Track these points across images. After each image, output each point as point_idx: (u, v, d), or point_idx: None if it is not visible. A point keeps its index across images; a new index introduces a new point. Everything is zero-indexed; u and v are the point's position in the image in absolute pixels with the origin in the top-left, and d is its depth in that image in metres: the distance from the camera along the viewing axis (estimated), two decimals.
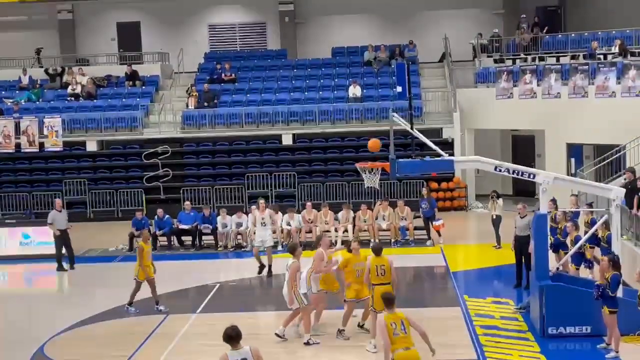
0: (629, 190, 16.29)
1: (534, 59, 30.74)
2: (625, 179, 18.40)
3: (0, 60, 35.56)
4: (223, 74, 33.14)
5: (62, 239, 21.18)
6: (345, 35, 35.78)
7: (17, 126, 29.28)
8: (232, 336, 9.11)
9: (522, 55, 31.34)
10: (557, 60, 29.77)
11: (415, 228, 23.09)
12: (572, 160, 26.23)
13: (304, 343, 13.95)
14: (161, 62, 34.99)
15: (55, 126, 29.03)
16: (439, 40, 33.17)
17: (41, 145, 29.23)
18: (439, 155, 15.71)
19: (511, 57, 31.57)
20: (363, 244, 16.32)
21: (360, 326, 14.60)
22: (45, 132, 29.06)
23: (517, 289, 17.31)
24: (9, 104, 31.58)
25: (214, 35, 37.75)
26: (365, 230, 22.74)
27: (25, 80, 33.67)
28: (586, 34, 30.21)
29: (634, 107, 23.65)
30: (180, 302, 17.37)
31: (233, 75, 33.20)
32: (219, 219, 23.30)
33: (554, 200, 17.41)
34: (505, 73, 28.43)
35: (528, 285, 16.44)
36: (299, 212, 23.92)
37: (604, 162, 22.59)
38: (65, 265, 21.19)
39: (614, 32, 29.10)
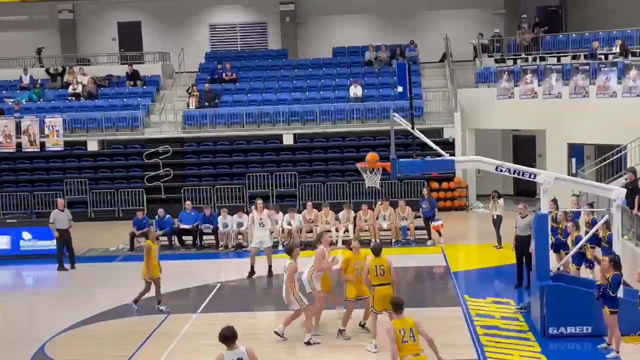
0: (630, 191, 16.28)
1: (534, 59, 30.74)
2: (626, 179, 18.39)
3: (1, 60, 35.59)
4: (224, 74, 33.14)
5: (63, 238, 21.19)
6: (346, 35, 35.78)
7: (18, 126, 29.28)
8: (228, 336, 9.20)
9: (523, 55, 31.34)
10: (558, 60, 29.76)
11: (416, 228, 23.09)
12: (573, 160, 26.21)
13: (305, 343, 13.95)
14: (162, 62, 35.01)
15: (56, 126, 29.02)
16: (439, 40, 33.17)
17: (42, 145, 29.23)
18: (440, 155, 15.69)
19: (512, 57, 31.58)
20: (364, 244, 16.34)
21: (362, 325, 14.60)
22: (46, 131, 29.06)
23: (517, 289, 17.31)
24: (10, 103, 31.59)
25: (215, 35, 37.76)
26: (366, 230, 22.74)
27: (26, 80, 33.68)
28: (587, 34, 30.20)
29: (634, 107, 23.64)
30: (181, 301, 17.37)
31: (234, 75, 33.20)
32: (219, 218, 23.30)
33: (554, 200, 17.41)
34: (506, 73, 28.43)
35: (529, 285, 16.45)
36: (299, 212, 23.93)
37: (605, 162, 22.58)
38: (66, 265, 21.20)
39: (615, 32, 29.09)
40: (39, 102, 32.21)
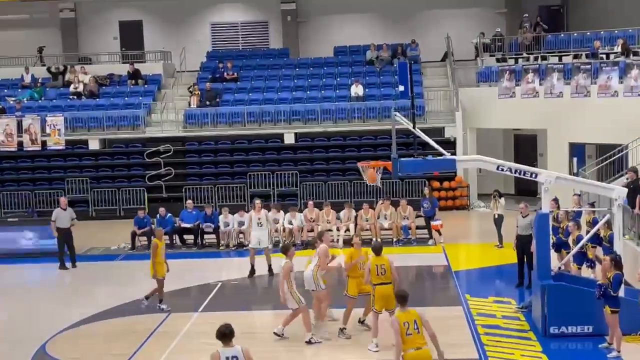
0: (631, 190, 16.28)
1: (536, 58, 30.72)
2: (627, 179, 18.38)
3: (3, 59, 35.59)
4: (225, 73, 33.15)
5: (64, 237, 21.20)
6: (347, 34, 35.76)
7: (19, 125, 29.28)
8: (226, 334, 9.32)
9: (525, 55, 31.31)
10: (560, 59, 29.75)
11: (417, 227, 23.10)
12: (575, 159, 26.22)
13: (306, 342, 13.95)
14: (163, 61, 35.00)
15: (58, 125, 29.02)
16: (441, 39, 33.16)
17: (43, 143, 29.23)
18: (441, 154, 15.71)
19: (513, 56, 31.56)
20: (365, 243, 16.36)
21: (361, 322, 14.60)
22: (48, 130, 29.05)
23: (519, 288, 17.31)
24: (11, 102, 31.59)
25: (216, 34, 37.74)
26: (367, 229, 22.74)
27: (27, 79, 33.69)
28: (589, 33, 30.19)
29: (636, 106, 23.63)
30: (182, 300, 17.37)
31: (235, 74, 33.20)
32: (221, 217, 23.31)
33: (556, 200, 17.42)
34: (507, 72, 28.41)
35: (530, 284, 16.46)
36: (300, 211, 23.93)
37: (606, 162, 22.58)
38: (67, 264, 21.21)
39: (616, 31, 29.06)
40: (40, 101, 32.22)
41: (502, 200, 21.82)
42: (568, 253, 16.10)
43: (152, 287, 16.62)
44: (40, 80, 33.61)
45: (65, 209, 21.50)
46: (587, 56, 28.38)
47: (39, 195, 28.69)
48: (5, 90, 33.34)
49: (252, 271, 19.27)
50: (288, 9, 36.59)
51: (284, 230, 22.95)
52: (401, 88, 17.73)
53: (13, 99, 31.94)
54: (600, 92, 25.15)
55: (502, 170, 14.79)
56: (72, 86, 32.89)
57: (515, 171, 14.80)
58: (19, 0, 36.26)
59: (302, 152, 29.93)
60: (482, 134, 29.85)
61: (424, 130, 17.15)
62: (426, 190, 24.04)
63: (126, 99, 32.31)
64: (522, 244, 17.05)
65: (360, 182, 25.61)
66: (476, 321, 15.02)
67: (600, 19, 31.84)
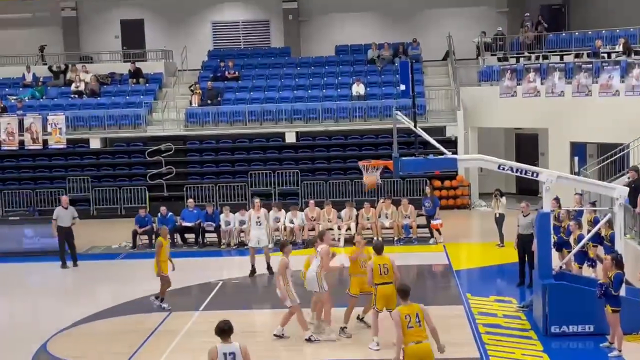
0: (633, 189, 16.27)
1: (537, 58, 30.68)
2: (628, 178, 18.37)
3: (4, 58, 35.60)
4: (226, 72, 33.14)
5: (65, 236, 21.20)
6: (348, 33, 35.76)
7: (20, 123, 29.32)
8: (225, 329, 9.40)
9: (526, 54, 31.27)
10: (561, 58, 29.72)
11: (419, 226, 23.10)
12: (576, 158, 26.22)
13: (305, 339, 13.96)
14: (165, 60, 35.01)
15: (59, 123, 29.06)
16: (442, 38, 33.13)
17: (44, 142, 29.27)
18: (442, 153, 15.70)
19: (515, 55, 31.52)
20: (366, 243, 16.29)
21: (360, 319, 14.58)
22: (49, 129, 29.08)
23: (520, 287, 17.31)
24: (12, 101, 31.61)
25: (218, 32, 37.73)
26: (368, 228, 22.74)
27: (28, 78, 33.69)
28: (590, 32, 30.16)
29: (637, 105, 23.61)
30: (183, 299, 17.36)
31: (236, 73, 33.20)
32: (222, 216, 23.32)
33: (557, 199, 17.41)
34: (509, 71, 28.38)
35: (531, 283, 16.44)
36: (302, 210, 23.93)
37: (608, 161, 22.57)
38: (68, 262, 21.21)
39: (617, 30, 29.04)
40: (41, 100, 32.23)
41: (503, 199, 21.81)
42: (569, 252, 16.10)
43: (163, 286, 16.56)
44: (41, 79, 33.63)
45: (66, 208, 21.49)
46: (588, 55, 28.35)
47: (40, 193, 28.72)
48: (7, 89, 33.35)
49: (253, 270, 19.27)
50: (289, 8, 36.57)
51: (285, 229, 22.96)
52: (402, 87, 17.78)
53: (14, 97, 31.97)
54: (602, 92, 25.13)
55: (503, 169, 14.78)
56: (73, 85, 32.90)
57: (517, 170, 14.79)
58: None
59: (303, 151, 29.93)
60: (483, 133, 29.84)
61: (425, 130, 17.14)
62: (427, 190, 24.04)
63: (127, 97, 32.32)
64: (523, 243, 17.05)
65: (361, 181, 25.51)
66: (477, 320, 15.02)
67: (601, 18, 31.82)
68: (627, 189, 14.77)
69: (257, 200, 19.93)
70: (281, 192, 28.49)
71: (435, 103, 30.37)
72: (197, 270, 20.21)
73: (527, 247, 16.76)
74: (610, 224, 15.16)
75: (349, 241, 21.77)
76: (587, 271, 16.21)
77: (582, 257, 16.01)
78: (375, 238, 21.62)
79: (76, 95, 32.48)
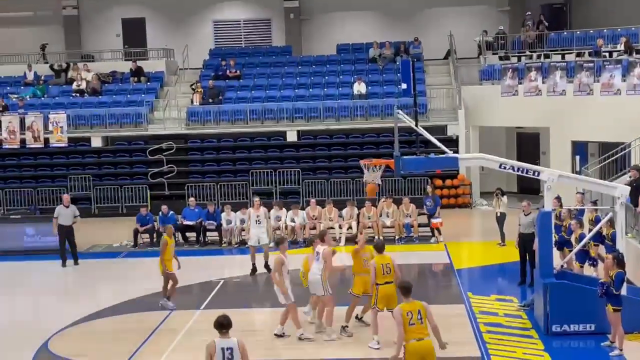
0: (634, 188, 16.27)
1: (539, 56, 30.68)
2: (630, 177, 18.35)
3: (6, 56, 35.63)
4: (228, 71, 33.14)
5: (65, 234, 21.20)
6: (350, 32, 35.78)
7: (22, 122, 29.36)
8: (224, 324, 9.47)
9: (528, 53, 31.27)
10: (563, 57, 29.70)
11: (420, 225, 23.09)
12: (577, 157, 26.21)
13: (298, 338, 13.98)
14: (166, 58, 35.02)
15: (60, 122, 29.10)
16: (444, 37, 33.13)
17: (46, 141, 29.30)
18: (444, 152, 15.70)
19: (516, 54, 31.52)
20: (367, 241, 16.30)
21: (359, 319, 14.56)
22: (50, 128, 29.13)
23: (521, 286, 17.31)
24: (14, 99, 31.62)
25: (219, 31, 37.74)
26: (369, 227, 22.73)
27: (30, 76, 33.70)
28: (591, 31, 30.15)
29: (639, 104, 23.60)
30: (184, 298, 17.34)
31: (238, 71, 33.20)
32: (223, 215, 23.32)
33: (558, 198, 17.41)
34: (510, 70, 28.38)
35: (532, 282, 16.43)
36: (303, 208, 23.93)
37: (609, 160, 22.56)
38: (69, 261, 21.20)
39: (619, 29, 29.04)
40: (43, 98, 32.24)
41: (505, 198, 21.82)
42: (570, 251, 16.08)
43: (171, 285, 16.54)
44: (43, 78, 33.65)
45: (67, 206, 21.48)
46: (590, 54, 28.35)
47: (41, 192, 28.73)
48: (8, 88, 33.35)
49: (254, 269, 19.28)
50: (291, 7, 36.58)
51: (286, 227, 22.97)
52: (404, 86, 17.78)
53: (16, 96, 31.97)
54: (603, 90, 25.12)
55: (505, 168, 14.78)
56: (74, 83, 32.90)
57: (518, 169, 14.78)
58: None
59: (304, 149, 29.94)
60: (484, 132, 29.83)
61: (426, 128, 17.15)
62: (429, 189, 24.04)
63: (129, 96, 32.32)
64: (525, 242, 17.05)
65: (362, 179, 25.55)
66: (478, 319, 15.01)
67: (603, 17, 31.81)
68: (629, 188, 14.76)
69: (256, 199, 19.93)
70: (282, 191, 28.48)
71: (437, 102, 30.37)
72: (198, 269, 20.19)
73: (528, 246, 16.77)
74: (611, 223, 15.15)
75: (350, 240, 21.80)
76: (588, 270, 16.20)
77: (584, 256, 16.00)
78: (376, 237, 21.63)
79: (77, 94, 32.48)
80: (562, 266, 15.35)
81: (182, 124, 30.82)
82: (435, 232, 22.71)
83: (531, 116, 27.69)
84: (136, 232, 23.30)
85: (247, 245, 20.18)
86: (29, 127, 29.12)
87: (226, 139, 30.34)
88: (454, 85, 30.79)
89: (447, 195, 27.84)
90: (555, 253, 15.60)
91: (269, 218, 21.26)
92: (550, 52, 30.67)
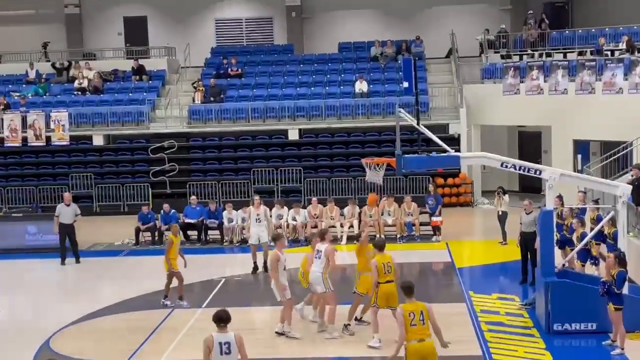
0: (636, 187, 16.27)
1: (541, 55, 30.67)
2: (632, 176, 18.34)
3: (8, 54, 35.68)
4: (229, 69, 33.14)
5: (66, 233, 21.21)
6: (351, 31, 35.74)
7: (23, 120, 29.36)
8: (223, 318, 9.60)
9: (529, 51, 31.25)
10: (564, 56, 29.68)
11: (421, 224, 23.08)
12: (579, 156, 26.17)
13: (275, 332, 14.11)
14: (168, 57, 35.02)
15: (62, 120, 29.10)
16: (445, 35, 33.12)
17: (48, 139, 29.30)
18: (445, 151, 15.69)
19: (518, 53, 31.50)
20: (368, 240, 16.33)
21: (359, 319, 14.55)
22: (52, 126, 29.14)
23: (522, 285, 17.32)
24: (15, 97, 31.63)
25: (221, 30, 37.73)
26: (370, 226, 22.71)
27: (32, 74, 33.73)
28: (593, 30, 30.12)
29: None
30: (186, 296, 17.33)
31: (239, 70, 33.19)
32: (224, 213, 23.33)
33: (560, 197, 17.39)
34: (512, 69, 28.36)
35: (534, 281, 16.40)
36: (304, 207, 23.94)
37: (611, 159, 22.55)
38: (70, 258, 21.20)
39: (621, 28, 29.00)
40: (44, 97, 32.25)
41: (506, 197, 21.81)
42: (572, 250, 16.08)
43: (178, 283, 16.54)
44: (44, 76, 33.64)
45: (69, 205, 21.50)
46: (591, 53, 28.32)
47: (43, 190, 28.73)
48: (10, 86, 33.37)
49: (255, 267, 19.28)
50: (292, 5, 36.57)
51: (287, 226, 22.97)
52: (405, 84, 17.76)
53: (17, 94, 31.98)
54: (605, 89, 25.10)
55: (506, 167, 14.77)
56: (76, 82, 32.91)
57: (519, 168, 14.77)
58: None
59: (306, 148, 29.94)
60: (486, 131, 29.81)
61: (428, 127, 17.13)
62: (431, 187, 24.02)
63: (130, 94, 32.33)
64: (526, 240, 17.05)
65: (364, 178, 25.49)
66: (480, 318, 15.02)
67: (605, 15, 31.77)
68: (630, 186, 14.76)
69: (256, 198, 19.95)
70: (284, 190, 28.48)
71: (438, 100, 30.35)
72: (199, 267, 20.18)
73: (529, 244, 16.76)
74: (613, 221, 15.14)
75: (352, 238, 21.81)
76: (589, 269, 16.20)
77: (585, 255, 16.00)
78: (377, 235, 21.63)
79: (79, 92, 32.49)
80: (563, 265, 15.34)
81: (184, 122, 30.82)
82: (435, 230, 22.71)
83: (533, 115, 27.68)
84: (138, 231, 23.31)
85: (248, 244, 20.20)
86: (31, 125, 29.14)
87: (228, 138, 30.34)
88: (455, 84, 30.78)
89: (449, 194, 27.82)
90: (557, 252, 15.59)
91: (270, 216, 21.28)
92: (552, 51, 30.65)
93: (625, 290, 13.07)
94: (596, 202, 18.27)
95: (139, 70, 33.42)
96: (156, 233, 23.33)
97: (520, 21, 33.34)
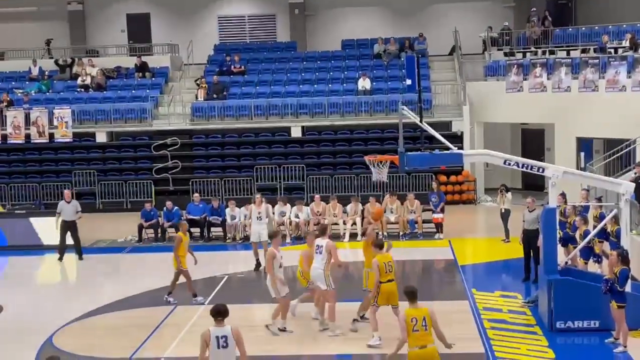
0: (639, 185, 16.25)
1: (544, 53, 30.65)
2: (635, 173, 18.35)
3: (11, 51, 35.68)
4: (232, 66, 33.13)
5: (67, 230, 21.22)
6: (355, 28, 35.72)
7: (27, 117, 29.41)
8: (221, 311, 9.68)
9: (533, 49, 31.23)
10: (568, 53, 29.67)
11: (424, 221, 23.07)
12: (582, 154, 26.16)
13: (265, 325, 14.17)
14: (171, 54, 35.00)
15: (65, 117, 29.16)
16: (449, 33, 33.06)
17: (51, 136, 29.35)
18: (448, 148, 15.69)
19: (521, 50, 31.48)
20: None
21: (361, 317, 14.55)
22: (55, 123, 29.19)
23: (525, 282, 17.30)
24: (19, 94, 31.65)
25: (224, 27, 37.73)
26: (370, 223, 22.68)
27: (35, 71, 33.74)
28: (597, 27, 30.09)
29: None
30: (188, 293, 17.35)
31: (242, 67, 33.19)
32: (227, 210, 23.34)
33: (563, 195, 17.38)
34: (515, 66, 28.34)
35: (536, 279, 16.43)
36: (307, 204, 23.94)
37: (614, 157, 22.53)
38: (70, 254, 21.19)
39: (624, 25, 28.98)
40: (47, 94, 32.27)
41: (509, 194, 21.78)
42: (575, 248, 16.09)
43: (187, 281, 16.54)
44: (47, 73, 33.65)
45: (69, 202, 21.52)
46: (595, 50, 28.29)
47: (46, 187, 28.75)
48: (13, 83, 33.41)
49: (258, 264, 19.30)
50: (296, 2, 36.57)
51: (290, 223, 22.98)
52: (408, 82, 17.72)
53: (21, 91, 32.01)
54: (608, 87, 25.08)
55: (509, 164, 14.77)
56: (79, 79, 32.93)
57: (522, 166, 14.77)
58: None
59: (309, 145, 29.93)
60: (489, 128, 29.80)
61: (431, 124, 17.13)
62: (434, 185, 24.00)
63: (133, 91, 32.34)
64: (529, 238, 17.03)
65: (367, 175, 25.55)
66: (482, 315, 15.01)
67: (608, 13, 31.73)
68: (634, 184, 14.75)
69: (258, 196, 19.95)
70: (287, 187, 28.49)
71: (441, 98, 30.32)
72: (202, 264, 20.13)
73: (532, 242, 16.74)
74: (616, 219, 15.15)
75: (354, 236, 21.82)
76: (592, 267, 16.19)
77: (588, 252, 15.99)
78: (380, 233, 21.61)
79: (82, 89, 32.51)
80: (566, 263, 15.34)
81: (187, 119, 30.83)
82: (438, 228, 22.69)
83: (536, 112, 27.65)
84: (140, 228, 23.33)
85: (249, 242, 20.21)
86: (34, 122, 29.19)
87: (231, 135, 30.34)
88: (458, 82, 30.75)
89: (452, 191, 27.82)
90: (560, 249, 15.58)
91: (273, 214, 21.27)
92: (555, 49, 30.63)
93: (628, 288, 13.08)
94: (599, 199, 18.26)
95: (142, 68, 33.41)
96: (159, 230, 23.35)
97: (524, 18, 33.33)
